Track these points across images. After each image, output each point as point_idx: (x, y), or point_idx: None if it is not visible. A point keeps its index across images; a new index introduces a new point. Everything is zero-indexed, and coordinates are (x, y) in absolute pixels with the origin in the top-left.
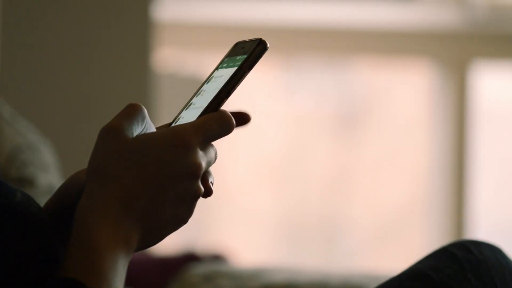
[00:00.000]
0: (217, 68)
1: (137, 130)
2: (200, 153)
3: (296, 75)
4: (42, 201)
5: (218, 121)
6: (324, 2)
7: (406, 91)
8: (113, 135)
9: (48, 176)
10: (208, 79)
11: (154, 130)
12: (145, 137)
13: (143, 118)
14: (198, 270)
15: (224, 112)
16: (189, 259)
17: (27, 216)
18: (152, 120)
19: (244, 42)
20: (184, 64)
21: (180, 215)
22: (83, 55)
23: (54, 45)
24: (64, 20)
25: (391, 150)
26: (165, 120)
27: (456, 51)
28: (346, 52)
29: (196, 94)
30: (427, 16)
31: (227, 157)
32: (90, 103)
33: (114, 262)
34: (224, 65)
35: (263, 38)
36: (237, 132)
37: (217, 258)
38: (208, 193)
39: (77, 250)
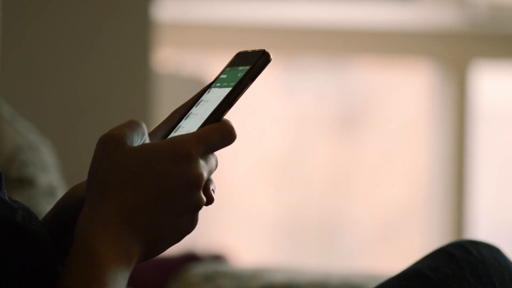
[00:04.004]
0: (218, 77)
1: (137, 142)
2: (202, 163)
3: (296, 75)
4: (42, 201)
5: (220, 132)
6: (324, 2)
7: (406, 91)
8: (115, 144)
9: (48, 176)
10: (208, 89)
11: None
12: (146, 147)
13: (143, 134)
14: (198, 270)
15: (226, 123)
16: (189, 259)
17: (29, 233)
18: (151, 121)
19: (246, 52)
20: (184, 64)
21: (182, 226)
22: (83, 55)
23: (54, 45)
24: (64, 20)
25: (391, 150)
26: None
27: (456, 51)
28: (346, 52)
29: (196, 104)
30: (427, 16)
31: (227, 157)
32: (90, 103)
33: (114, 274)
34: (225, 75)
35: (267, 50)
36: (237, 131)
37: (217, 258)
38: (209, 201)
39: (77, 261)
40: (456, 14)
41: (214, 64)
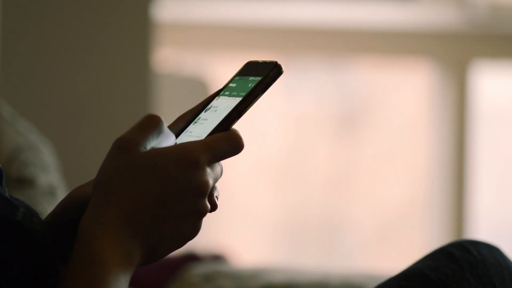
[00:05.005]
0: (226, 85)
1: (151, 144)
2: (208, 170)
3: (296, 75)
4: (42, 201)
5: (228, 141)
6: (324, 2)
7: (406, 91)
8: (125, 150)
9: (48, 176)
10: (216, 96)
11: (171, 139)
12: (154, 153)
13: (159, 133)
14: (198, 270)
15: (234, 132)
16: (189, 259)
17: (29, 231)
18: None
19: (257, 62)
20: (184, 64)
21: (185, 231)
22: (83, 55)
23: (54, 45)
24: (64, 20)
25: (391, 150)
26: (165, 120)
27: (456, 51)
28: (346, 52)
29: (205, 109)
30: (427, 16)
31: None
32: (90, 103)
33: (116, 275)
34: (235, 84)
35: (279, 62)
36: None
37: (217, 258)
38: (213, 208)
39: (79, 262)
40: (456, 14)
41: (214, 64)
